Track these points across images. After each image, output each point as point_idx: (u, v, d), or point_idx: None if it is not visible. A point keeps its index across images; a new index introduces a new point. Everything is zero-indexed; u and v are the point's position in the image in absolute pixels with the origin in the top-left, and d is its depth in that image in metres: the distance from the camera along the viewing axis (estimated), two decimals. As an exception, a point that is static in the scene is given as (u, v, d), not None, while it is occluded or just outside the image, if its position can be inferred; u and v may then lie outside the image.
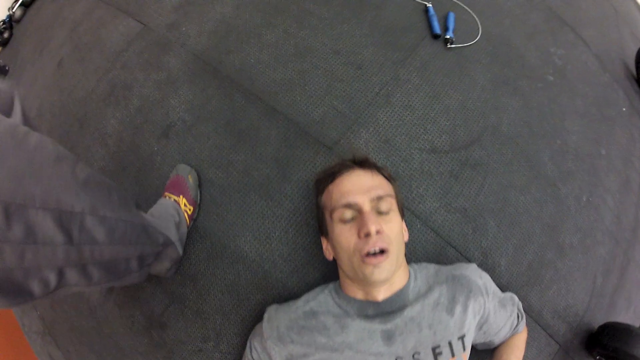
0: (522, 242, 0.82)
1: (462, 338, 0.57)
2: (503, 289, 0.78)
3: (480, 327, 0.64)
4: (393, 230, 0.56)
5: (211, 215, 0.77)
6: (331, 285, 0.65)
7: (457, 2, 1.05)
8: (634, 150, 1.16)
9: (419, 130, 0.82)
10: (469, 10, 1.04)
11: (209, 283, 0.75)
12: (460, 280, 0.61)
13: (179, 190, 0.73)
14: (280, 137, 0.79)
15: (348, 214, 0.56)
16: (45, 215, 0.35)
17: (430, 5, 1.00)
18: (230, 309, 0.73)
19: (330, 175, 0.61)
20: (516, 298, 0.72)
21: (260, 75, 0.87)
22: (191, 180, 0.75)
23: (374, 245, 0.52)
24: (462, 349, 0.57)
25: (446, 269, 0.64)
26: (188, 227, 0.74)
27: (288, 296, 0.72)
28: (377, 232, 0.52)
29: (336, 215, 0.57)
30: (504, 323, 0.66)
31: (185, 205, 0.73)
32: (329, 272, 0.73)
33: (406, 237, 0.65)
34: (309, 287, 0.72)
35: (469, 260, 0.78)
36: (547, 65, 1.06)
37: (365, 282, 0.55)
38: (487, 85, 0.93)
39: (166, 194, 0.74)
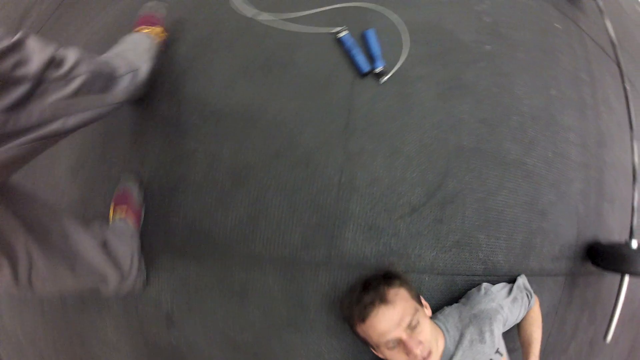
0: (511, 232, 0.93)
1: (497, 351, 0.75)
2: (506, 275, 0.93)
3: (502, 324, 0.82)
4: (427, 334, 0.69)
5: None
6: None
7: (366, 5, 0.86)
8: (579, 64, 1.14)
9: (394, 198, 0.82)
10: (383, 13, 0.86)
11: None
12: (480, 316, 0.77)
13: None
14: (278, 280, 0.79)
15: (391, 344, 0.67)
16: None
17: (345, 32, 0.82)
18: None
19: (357, 317, 0.69)
20: (521, 281, 0.89)
21: (215, 226, 0.79)
22: None
23: (422, 357, 0.66)
24: (500, 357, 0.76)
25: (466, 309, 0.80)
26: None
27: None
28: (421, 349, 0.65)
29: (381, 349, 0.68)
30: (519, 311, 0.85)
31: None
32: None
33: (429, 313, 0.77)
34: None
35: (474, 275, 0.91)
36: (480, 32, 0.95)
37: None
38: (436, 104, 0.87)
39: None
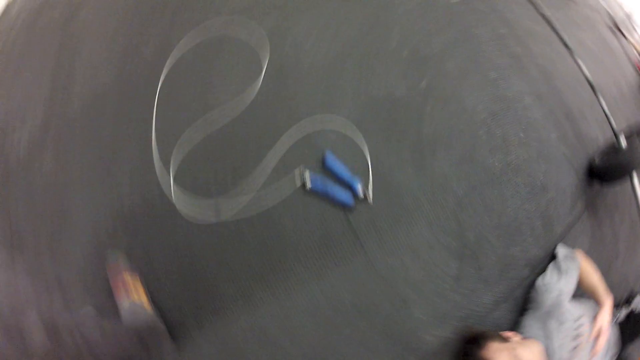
0: (531, 226, 1.01)
1: (577, 319, 0.87)
2: (547, 257, 1.02)
3: None
4: (530, 356, 0.78)
5: None
6: None
7: (309, 131, 0.84)
8: (493, 23, 1.13)
9: (439, 284, 0.87)
10: (324, 128, 0.84)
11: None
12: (551, 310, 0.88)
13: None
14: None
15: None
16: None
17: (307, 173, 0.82)
18: None
19: None
20: (561, 253, 0.98)
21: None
22: None
23: None
24: (580, 321, 0.87)
25: (537, 313, 0.90)
26: None
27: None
28: None
29: None
30: (574, 277, 0.95)
31: None
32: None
33: (517, 338, 0.86)
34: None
35: (526, 279, 1.00)
36: (407, 73, 0.94)
37: None
38: (419, 179, 0.89)
39: None
